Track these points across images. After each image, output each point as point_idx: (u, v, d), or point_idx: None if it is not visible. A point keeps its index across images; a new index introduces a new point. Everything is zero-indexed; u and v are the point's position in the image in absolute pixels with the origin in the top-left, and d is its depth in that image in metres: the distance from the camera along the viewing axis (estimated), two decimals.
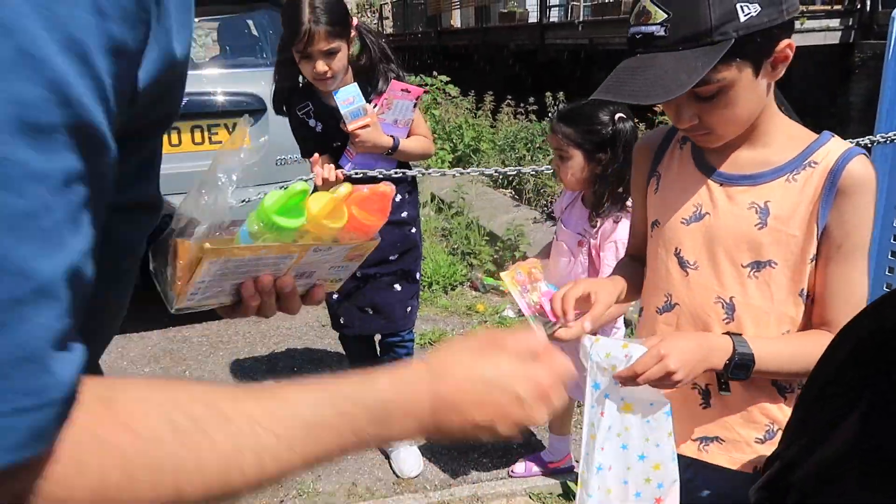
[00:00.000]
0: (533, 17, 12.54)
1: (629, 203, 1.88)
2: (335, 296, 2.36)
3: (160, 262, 0.69)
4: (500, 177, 5.35)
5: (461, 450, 2.62)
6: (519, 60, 12.55)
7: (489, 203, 4.76)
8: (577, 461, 2.49)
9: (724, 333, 1.13)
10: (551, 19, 12.32)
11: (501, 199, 4.95)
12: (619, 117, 1.87)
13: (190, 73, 0.61)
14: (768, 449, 1.19)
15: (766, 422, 1.19)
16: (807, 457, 0.94)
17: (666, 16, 0.99)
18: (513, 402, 0.62)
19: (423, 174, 2.61)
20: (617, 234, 1.89)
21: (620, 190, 1.88)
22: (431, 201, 5.06)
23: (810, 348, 1.01)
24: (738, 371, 1.09)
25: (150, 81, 0.46)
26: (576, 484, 2.34)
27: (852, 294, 1.10)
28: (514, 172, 4.65)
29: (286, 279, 0.74)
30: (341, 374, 0.57)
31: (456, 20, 17.45)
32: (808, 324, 1.15)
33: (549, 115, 5.41)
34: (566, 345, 2.20)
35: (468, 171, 2.65)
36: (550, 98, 5.43)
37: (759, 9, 0.98)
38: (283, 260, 0.72)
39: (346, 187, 0.71)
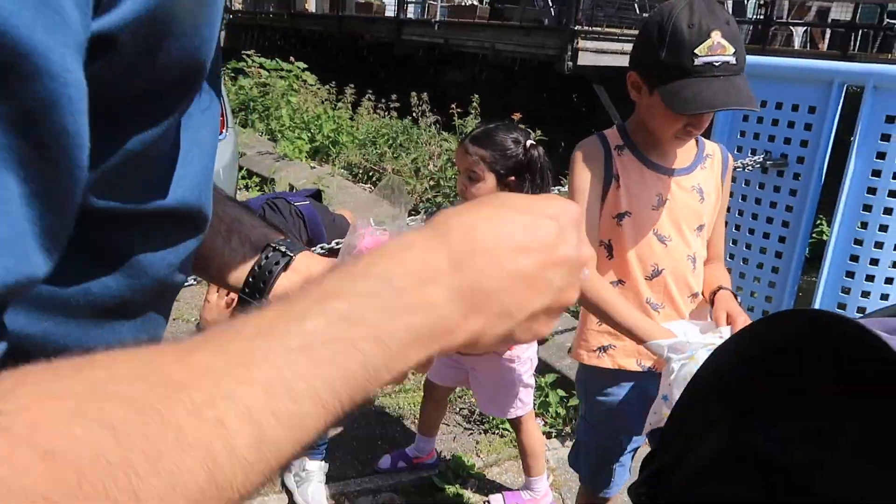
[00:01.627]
0: (390, 11, 12.57)
1: None
2: None
3: None
4: (360, 171, 5.35)
5: (327, 448, 2.62)
6: (374, 52, 12.53)
7: (350, 198, 4.75)
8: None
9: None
10: (408, 15, 12.44)
11: (362, 194, 4.95)
12: (531, 144, 1.94)
13: None
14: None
15: None
16: (681, 458, 1.08)
17: (734, 50, 1.39)
18: (547, 227, 0.44)
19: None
20: None
21: None
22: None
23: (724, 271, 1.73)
24: None
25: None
26: (440, 480, 2.44)
27: (723, 237, 1.75)
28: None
29: None
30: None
31: (311, 4, 17.03)
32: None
33: (413, 113, 5.49)
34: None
35: None
36: (415, 98, 5.50)
37: None
38: None
39: None
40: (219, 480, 0.31)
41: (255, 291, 0.72)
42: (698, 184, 1.59)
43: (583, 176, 1.55)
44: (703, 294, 1.68)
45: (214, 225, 0.73)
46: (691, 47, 1.37)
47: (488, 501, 2.37)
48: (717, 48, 1.37)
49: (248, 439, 0.32)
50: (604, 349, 1.65)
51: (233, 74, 7.68)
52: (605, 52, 8.79)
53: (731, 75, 1.39)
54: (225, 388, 0.33)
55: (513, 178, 1.95)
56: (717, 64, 1.37)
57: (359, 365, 0.37)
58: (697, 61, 1.37)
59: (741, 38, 1.43)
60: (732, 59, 1.38)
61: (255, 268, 0.72)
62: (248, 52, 7.65)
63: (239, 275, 0.73)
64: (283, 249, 0.73)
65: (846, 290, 2.37)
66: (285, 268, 0.72)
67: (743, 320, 1.53)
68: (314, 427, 0.35)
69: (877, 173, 2.31)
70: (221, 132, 3.50)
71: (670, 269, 1.59)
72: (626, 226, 1.56)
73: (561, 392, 2.78)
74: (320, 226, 2.58)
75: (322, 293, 0.38)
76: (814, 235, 2.85)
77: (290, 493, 2.35)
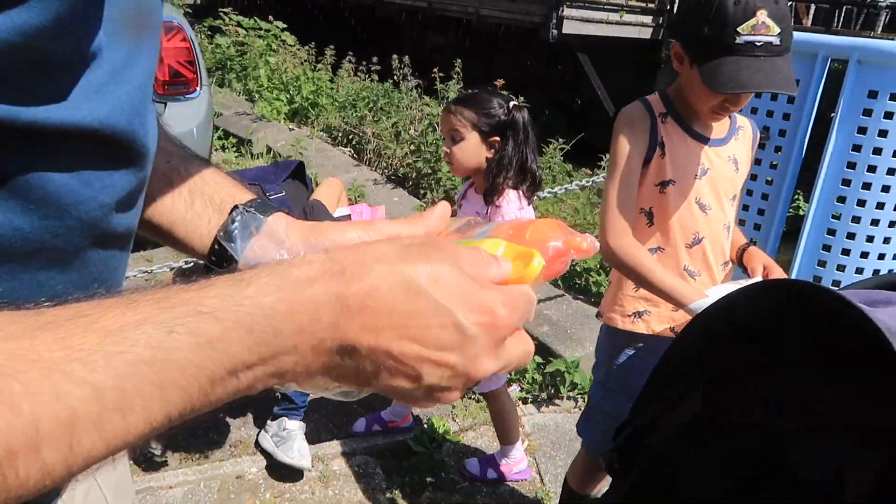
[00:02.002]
0: None
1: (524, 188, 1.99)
2: None
3: None
4: (340, 134, 5.26)
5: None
6: (355, 14, 12.28)
7: (329, 161, 4.68)
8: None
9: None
10: None
11: (341, 158, 4.88)
12: (515, 105, 1.97)
13: None
14: None
15: None
16: (656, 423, 1.08)
17: (779, 30, 1.38)
18: (447, 330, 0.41)
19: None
20: (511, 212, 1.95)
21: (518, 171, 1.97)
22: (267, 153, 4.86)
23: (740, 233, 1.76)
24: None
25: None
26: (415, 443, 2.45)
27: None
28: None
29: None
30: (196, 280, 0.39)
31: None
32: None
33: (394, 77, 5.40)
34: None
35: None
36: (397, 61, 5.41)
37: None
38: None
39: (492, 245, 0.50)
40: (10, 479, 0.29)
41: (222, 260, 0.65)
42: (733, 154, 1.63)
43: (627, 142, 1.56)
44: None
45: (176, 186, 0.67)
46: (734, 25, 1.37)
47: (463, 465, 2.39)
48: (760, 28, 1.37)
49: (59, 445, 0.30)
50: (639, 314, 1.67)
51: (209, 32, 7.48)
52: (590, 20, 8.70)
53: (773, 56, 1.38)
54: (53, 384, 0.30)
55: (496, 137, 1.96)
56: (758, 44, 1.37)
57: (202, 393, 0.36)
58: (739, 39, 1.37)
59: (789, 17, 1.42)
60: (776, 40, 1.38)
61: (221, 233, 0.65)
62: (226, 10, 7.45)
63: (205, 241, 0.66)
64: (253, 211, 0.66)
65: (822, 264, 2.39)
66: (255, 231, 0.65)
67: (778, 272, 1.60)
68: (133, 441, 0.34)
69: (857, 148, 2.31)
70: (195, 90, 3.40)
71: (709, 238, 1.62)
72: (670, 194, 1.58)
73: (538, 359, 2.80)
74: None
75: (199, 307, 0.37)
76: (790, 210, 2.87)
77: (266, 455, 2.35)
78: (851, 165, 2.33)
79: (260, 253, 0.63)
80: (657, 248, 1.62)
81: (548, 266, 0.53)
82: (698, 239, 1.62)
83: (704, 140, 1.59)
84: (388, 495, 2.29)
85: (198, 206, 0.67)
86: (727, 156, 1.62)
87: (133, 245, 0.55)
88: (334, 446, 2.46)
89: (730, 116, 1.63)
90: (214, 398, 0.37)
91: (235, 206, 0.66)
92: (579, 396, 2.78)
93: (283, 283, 0.39)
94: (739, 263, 1.70)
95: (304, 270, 0.40)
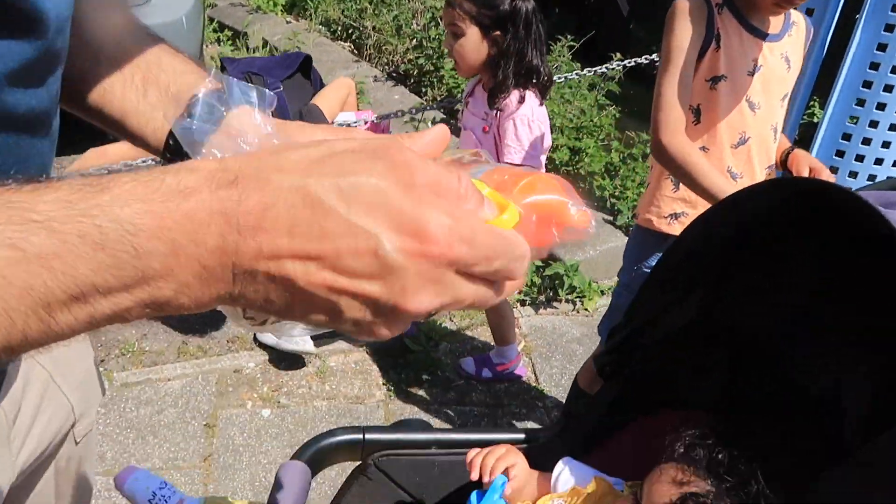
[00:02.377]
0: None
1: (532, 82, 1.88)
2: None
3: None
4: (339, 28, 5.04)
5: None
6: None
7: (327, 56, 4.49)
8: None
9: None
10: None
11: (340, 53, 4.69)
12: None
13: None
14: None
15: None
16: (657, 321, 1.05)
17: None
18: (362, 258, 0.33)
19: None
20: (521, 111, 1.86)
21: (522, 69, 1.85)
22: (263, 48, 4.67)
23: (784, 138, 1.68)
24: None
25: None
26: (412, 342, 2.47)
27: None
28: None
29: None
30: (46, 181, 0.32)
31: None
32: None
33: None
34: None
35: None
36: None
37: None
38: None
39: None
40: None
41: (177, 157, 0.58)
42: (786, 51, 1.56)
43: (684, 33, 1.47)
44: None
45: (126, 73, 0.60)
46: None
47: (459, 364, 2.42)
48: None
49: None
50: (675, 216, 1.63)
51: None
52: None
53: None
54: None
55: (498, 31, 1.85)
56: None
57: (38, 320, 0.30)
58: None
59: None
60: None
61: (176, 126, 0.57)
62: None
63: (159, 135, 0.60)
64: (214, 103, 0.58)
65: (834, 170, 2.32)
66: (216, 126, 0.57)
67: (827, 174, 1.57)
68: None
69: (882, 47, 2.19)
70: None
71: (756, 138, 1.56)
72: (721, 90, 1.51)
73: (537, 261, 2.78)
74: (285, 119, 2.41)
75: (29, 213, 0.30)
76: (804, 117, 2.76)
77: (265, 350, 2.37)
78: (874, 66, 2.21)
79: (219, 151, 0.57)
80: (702, 148, 1.56)
81: (531, 227, 0.43)
82: (744, 139, 1.56)
83: (762, 35, 1.51)
84: (383, 391, 2.32)
85: (151, 96, 0.61)
86: (780, 53, 1.55)
87: None
88: (330, 343, 2.48)
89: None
90: (60, 328, 0.31)
91: (195, 96, 0.59)
92: (577, 300, 2.78)
93: (149, 191, 0.32)
94: (783, 167, 1.65)
95: (182, 177, 0.32)
